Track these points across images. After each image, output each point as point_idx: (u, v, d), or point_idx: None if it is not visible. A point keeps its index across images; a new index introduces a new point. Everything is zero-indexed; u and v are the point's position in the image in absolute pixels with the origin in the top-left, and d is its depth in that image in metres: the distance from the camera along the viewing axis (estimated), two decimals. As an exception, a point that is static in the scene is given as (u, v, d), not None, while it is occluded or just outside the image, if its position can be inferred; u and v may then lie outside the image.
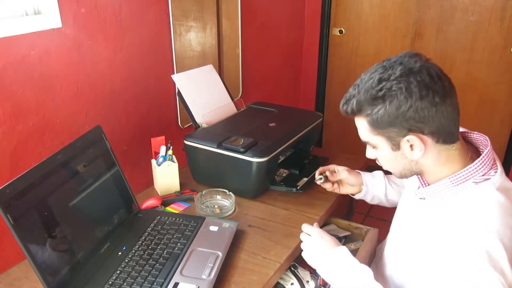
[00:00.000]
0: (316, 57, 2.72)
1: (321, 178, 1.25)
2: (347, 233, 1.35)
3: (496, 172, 0.87)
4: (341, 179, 1.27)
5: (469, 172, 0.87)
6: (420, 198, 0.98)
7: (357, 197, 1.29)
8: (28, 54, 1.09)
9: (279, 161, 1.48)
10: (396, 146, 0.88)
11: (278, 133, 1.38)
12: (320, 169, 1.28)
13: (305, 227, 1.07)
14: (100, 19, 1.26)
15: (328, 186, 1.27)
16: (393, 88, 0.82)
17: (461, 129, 0.99)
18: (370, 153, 0.98)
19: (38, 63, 1.12)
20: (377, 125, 0.86)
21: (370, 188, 1.24)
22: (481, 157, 0.87)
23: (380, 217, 1.84)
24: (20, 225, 0.84)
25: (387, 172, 1.09)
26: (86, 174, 1.04)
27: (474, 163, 0.87)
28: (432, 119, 0.82)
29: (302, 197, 1.34)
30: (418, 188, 0.98)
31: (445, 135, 0.86)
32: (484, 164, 0.87)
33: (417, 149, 0.87)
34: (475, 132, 0.96)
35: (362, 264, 0.98)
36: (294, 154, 1.57)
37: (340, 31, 2.64)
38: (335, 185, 1.28)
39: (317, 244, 1.03)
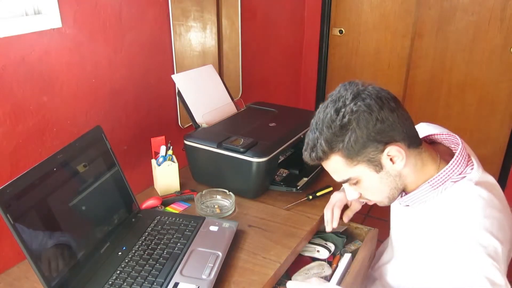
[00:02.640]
0: (316, 57, 2.72)
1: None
2: (345, 226, 1.35)
3: (472, 168, 0.89)
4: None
5: (446, 173, 0.88)
6: (406, 206, 0.98)
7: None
8: (28, 54, 1.09)
9: (279, 161, 1.48)
10: (379, 166, 0.88)
11: (278, 133, 1.38)
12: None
13: None
14: (100, 19, 1.26)
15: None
16: (354, 109, 0.83)
17: (431, 132, 1.01)
18: (352, 193, 0.96)
19: (38, 63, 1.12)
20: (353, 153, 0.85)
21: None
22: (455, 157, 0.89)
23: (380, 217, 1.84)
24: (20, 225, 0.84)
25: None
26: (86, 174, 1.04)
27: (449, 164, 0.88)
28: (398, 124, 0.84)
29: (302, 197, 1.34)
30: (401, 196, 0.97)
31: (411, 138, 0.87)
32: (459, 163, 0.88)
33: (398, 159, 0.87)
34: (445, 133, 0.97)
35: None
36: (294, 154, 1.57)
37: (340, 31, 2.64)
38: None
39: None
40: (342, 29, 2.63)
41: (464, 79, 2.40)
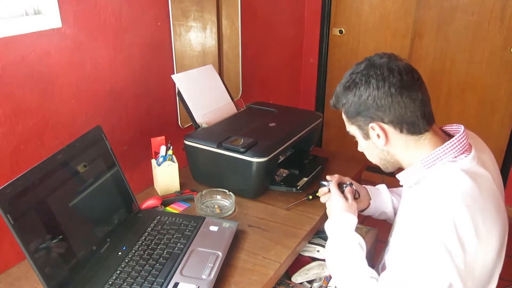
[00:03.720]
0: (316, 57, 2.72)
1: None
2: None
3: (467, 156, 0.90)
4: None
5: (439, 153, 0.91)
6: (408, 188, 1.01)
7: (365, 213, 1.25)
8: (28, 54, 1.09)
9: (279, 161, 1.48)
10: (366, 135, 0.98)
11: (278, 133, 1.38)
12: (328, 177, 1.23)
13: (333, 187, 1.15)
14: (100, 19, 1.26)
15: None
16: (356, 80, 0.92)
17: (446, 127, 1.02)
18: (359, 146, 1.06)
19: (38, 63, 1.12)
20: (348, 115, 0.97)
21: (378, 203, 1.23)
22: (451, 140, 0.91)
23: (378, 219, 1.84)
24: (20, 225, 0.84)
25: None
26: (86, 174, 1.04)
27: (444, 145, 0.91)
28: (389, 108, 0.90)
29: (302, 197, 1.34)
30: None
31: (408, 125, 0.91)
32: (454, 147, 0.90)
33: (381, 137, 0.94)
34: (453, 125, 0.99)
35: (356, 236, 1.02)
36: (294, 154, 1.57)
37: (340, 31, 2.64)
38: None
39: (337, 202, 1.11)
40: (342, 29, 2.63)
41: (464, 79, 2.40)
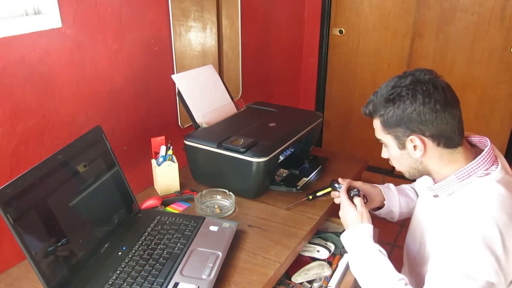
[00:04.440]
0: (316, 57, 2.72)
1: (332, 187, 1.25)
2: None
3: (497, 167, 0.95)
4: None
5: (472, 168, 0.96)
6: (434, 196, 1.05)
7: (377, 213, 1.27)
8: (28, 54, 1.09)
9: (279, 161, 1.49)
10: (402, 145, 1.00)
11: (278, 133, 1.38)
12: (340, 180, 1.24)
13: (342, 195, 1.16)
14: (100, 19, 1.26)
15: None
16: (402, 94, 0.95)
17: (470, 137, 1.07)
18: (384, 153, 1.09)
19: (38, 63, 1.12)
20: (387, 125, 0.99)
21: (389, 202, 1.25)
22: (482, 154, 0.96)
23: (380, 217, 1.83)
24: (20, 225, 0.84)
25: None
26: (86, 174, 1.04)
27: (476, 159, 0.96)
28: (432, 123, 0.94)
29: (302, 197, 1.34)
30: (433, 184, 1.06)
31: (445, 140, 0.96)
32: (486, 161, 0.96)
33: (418, 149, 0.97)
34: (477, 136, 1.05)
35: (374, 245, 1.05)
36: (294, 154, 1.57)
37: (340, 31, 2.64)
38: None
39: (348, 213, 1.12)
40: (342, 29, 2.63)
41: (464, 79, 2.40)
